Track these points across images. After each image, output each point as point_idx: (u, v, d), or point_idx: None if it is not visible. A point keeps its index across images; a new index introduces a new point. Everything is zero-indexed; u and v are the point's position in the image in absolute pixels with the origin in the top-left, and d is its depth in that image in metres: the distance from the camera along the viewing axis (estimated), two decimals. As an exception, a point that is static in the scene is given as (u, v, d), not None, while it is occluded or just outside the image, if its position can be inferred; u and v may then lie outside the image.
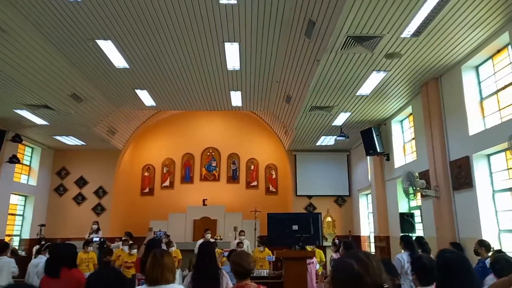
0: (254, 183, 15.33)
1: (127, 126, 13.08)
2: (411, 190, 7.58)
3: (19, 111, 9.24)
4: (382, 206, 10.39)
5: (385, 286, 1.16)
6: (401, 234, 6.26)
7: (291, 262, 4.93)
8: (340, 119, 9.90)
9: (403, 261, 5.17)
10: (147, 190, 15.05)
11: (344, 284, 1.21)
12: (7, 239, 10.81)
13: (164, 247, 8.26)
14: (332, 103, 8.76)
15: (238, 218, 13.27)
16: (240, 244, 8.71)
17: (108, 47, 7.33)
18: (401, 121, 9.92)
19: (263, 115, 14.31)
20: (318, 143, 12.53)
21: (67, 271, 3.32)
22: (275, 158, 15.38)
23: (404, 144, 9.79)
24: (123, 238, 9.01)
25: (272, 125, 14.17)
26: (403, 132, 9.89)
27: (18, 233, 12.00)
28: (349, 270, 1.20)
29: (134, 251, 7.73)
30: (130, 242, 8.24)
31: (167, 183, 15.15)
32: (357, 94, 8.13)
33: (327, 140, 12.12)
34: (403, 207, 9.42)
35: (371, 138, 10.04)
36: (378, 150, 9.99)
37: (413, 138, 8.94)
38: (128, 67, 8.20)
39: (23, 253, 11.07)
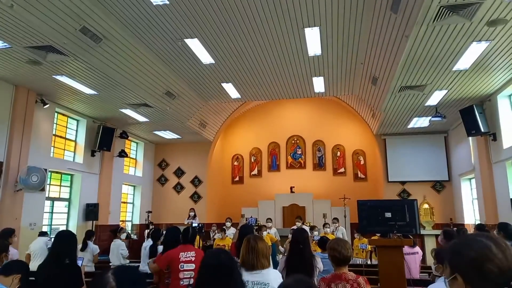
0: (341, 170, 15.00)
1: (216, 118, 13.79)
2: (524, 173, 6.67)
3: (124, 110, 10.38)
4: (490, 191, 9.33)
5: None
6: (499, 223, 5.50)
7: (385, 251, 4.73)
8: (435, 98, 9.09)
9: None
10: (237, 178, 15.76)
11: (471, 263, 1.10)
12: (122, 224, 12.31)
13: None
14: (425, 81, 8.08)
15: (326, 205, 13.16)
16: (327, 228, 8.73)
17: (195, 45, 7.79)
18: (510, 96, 8.73)
19: (347, 99, 13.84)
20: (410, 126, 11.70)
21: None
22: (362, 143, 14.82)
23: (515, 122, 8.61)
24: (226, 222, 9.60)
25: (357, 109, 13.64)
26: (512, 107, 8.71)
27: (130, 219, 13.60)
28: (483, 249, 1.09)
29: (225, 234, 8.21)
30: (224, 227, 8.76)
31: (255, 171, 15.66)
32: (453, 69, 7.36)
33: (421, 122, 11.24)
34: (515, 193, 8.34)
35: (473, 116, 9.04)
36: (482, 130, 8.96)
37: (526, 114, 7.81)
38: (213, 62, 8.62)
39: (135, 237, 12.51)
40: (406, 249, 5.15)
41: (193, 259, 4.10)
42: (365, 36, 7.49)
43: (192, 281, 4.02)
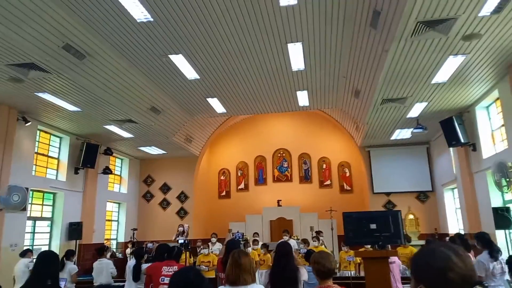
0: (328, 182, 15.10)
1: (202, 133, 13.78)
2: (504, 182, 6.87)
3: (108, 127, 10.28)
4: (472, 201, 9.52)
5: (485, 284, 1.10)
6: (476, 233, 5.63)
7: (372, 262, 4.77)
8: (416, 110, 9.32)
9: (487, 263, 4.64)
10: (224, 193, 15.68)
11: (433, 273, 1.14)
12: (106, 243, 12.04)
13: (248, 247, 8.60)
14: (406, 94, 8.29)
15: (313, 218, 13.18)
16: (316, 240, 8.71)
17: (179, 61, 7.84)
18: (487, 107, 9.01)
19: (331, 113, 14.04)
20: (393, 137, 11.92)
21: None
22: (347, 155, 14.99)
23: (493, 132, 8.86)
24: (212, 238, 9.47)
25: (341, 121, 13.84)
26: (490, 118, 8.96)
27: (114, 237, 13.32)
28: (444, 259, 1.14)
29: (205, 250, 8.13)
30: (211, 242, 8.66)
31: (242, 185, 15.63)
32: (432, 82, 7.59)
33: (403, 133, 11.47)
34: (496, 201, 8.52)
35: (453, 128, 9.27)
36: (462, 141, 9.19)
37: (503, 125, 8.06)
38: (198, 77, 8.67)
39: (120, 255, 12.24)
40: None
41: None
42: (347, 50, 7.67)
43: None
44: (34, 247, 9.49)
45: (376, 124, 10.52)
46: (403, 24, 5.46)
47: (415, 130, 9.80)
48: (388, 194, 13.03)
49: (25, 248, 8.04)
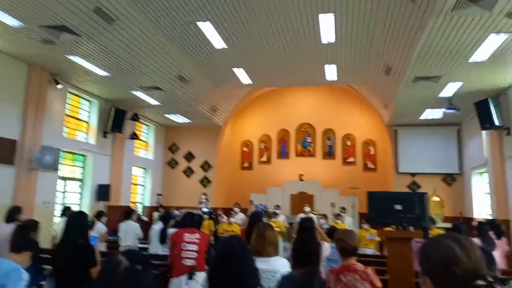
0: (351, 160, 14.94)
1: (227, 103, 13.79)
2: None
3: (135, 93, 10.42)
4: (502, 186, 9.21)
5: (488, 278, 1.07)
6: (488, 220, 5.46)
7: (394, 242, 4.75)
8: (449, 90, 8.93)
9: None
10: (246, 164, 15.83)
11: (436, 265, 1.15)
12: (132, 206, 12.53)
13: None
14: (440, 73, 7.92)
15: (335, 194, 13.17)
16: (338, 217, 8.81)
17: (207, 29, 7.72)
18: (528, 90, 8.53)
19: (360, 88, 13.67)
20: (423, 117, 11.54)
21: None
22: (373, 133, 14.70)
23: (531, 116, 8.43)
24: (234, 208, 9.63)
25: (369, 98, 13.48)
26: (529, 102, 8.51)
27: (140, 201, 13.82)
28: (448, 252, 1.13)
29: (233, 219, 8.31)
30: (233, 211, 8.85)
31: (264, 158, 15.70)
32: (470, 60, 7.19)
33: (434, 113, 11.08)
34: (527, 188, 8.23)
35: (487, 110, 8.87)
36: (497, 124, 8.80)
37: (543, 109, 7.63)
38: (226, 47, 8.56)
39: (145, 219, 12.73)
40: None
41: (197, 241, 4.30)
42: (381, 24, 7.33)
43: (194, 262, 4.19)
44: (65, 206, 10.00)
45: (405, 102, 10.18)
46: (445, -3, 5.14)
47: (448, 111, 9.44)
48: (413, 174, 12.79)
49: (65, 206, 8.42)
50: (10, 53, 7.95)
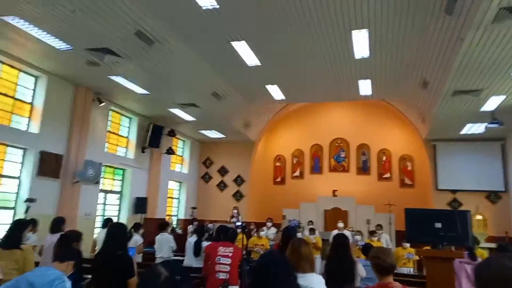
0: (387, 175, 14.53)
1: (260, 119, 13.93)
2: None
3: (172, 110, 10.80)
4: (551, 205, 8.64)
5: None
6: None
7: (434, 262, 4.57)
8: (492, 104, 8.57)
9: None
10: (279, 179, 15.79)
11: (493, 284, 1.17)
12: (168, 219, 12.82)
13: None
14: (481, 86, 7.64)
15: (370, 210, 12.82)
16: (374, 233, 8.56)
17: (241, 48, 7.92)
18: None
19: (395, 103, 13.38)
20: (463, 132, 11.10)
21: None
22: (410, 148, 14.25)
23: None
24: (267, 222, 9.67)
25: (405, 113, 13.14)
26: None
27: (175, 214, 14.12)
28: (506, 271, 1.16)
29: (262, 233, 8.31)
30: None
31: (297, 173, 15.61)
32: (513, 73, 6.91)
33: (475, 128, 10.63)
34: None
35: (534, 124, 8.41)
36: (545, 139, 8.31)
37: None
38: (260, 64, 8.71)
39: (179, 231, 12.97)
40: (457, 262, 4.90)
41: (230, 254, 4.36)
42: (416, 38, 7.22)
43: (227, 275, 4.23)
44: (105, 217, 10.40)
45: (444, 117, 9.85)
46: (484, 10, 5.01)
47: (490, 125, 9.03)
48: (454, 191, 12.24)
49: (106, 218, 8.79)
50: (58, 74, 8.54)
